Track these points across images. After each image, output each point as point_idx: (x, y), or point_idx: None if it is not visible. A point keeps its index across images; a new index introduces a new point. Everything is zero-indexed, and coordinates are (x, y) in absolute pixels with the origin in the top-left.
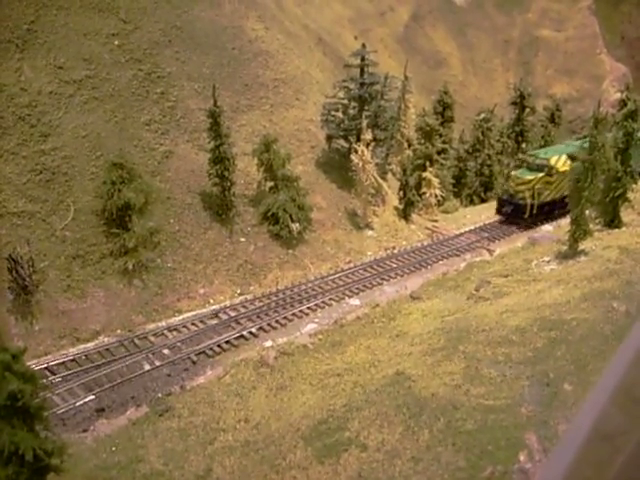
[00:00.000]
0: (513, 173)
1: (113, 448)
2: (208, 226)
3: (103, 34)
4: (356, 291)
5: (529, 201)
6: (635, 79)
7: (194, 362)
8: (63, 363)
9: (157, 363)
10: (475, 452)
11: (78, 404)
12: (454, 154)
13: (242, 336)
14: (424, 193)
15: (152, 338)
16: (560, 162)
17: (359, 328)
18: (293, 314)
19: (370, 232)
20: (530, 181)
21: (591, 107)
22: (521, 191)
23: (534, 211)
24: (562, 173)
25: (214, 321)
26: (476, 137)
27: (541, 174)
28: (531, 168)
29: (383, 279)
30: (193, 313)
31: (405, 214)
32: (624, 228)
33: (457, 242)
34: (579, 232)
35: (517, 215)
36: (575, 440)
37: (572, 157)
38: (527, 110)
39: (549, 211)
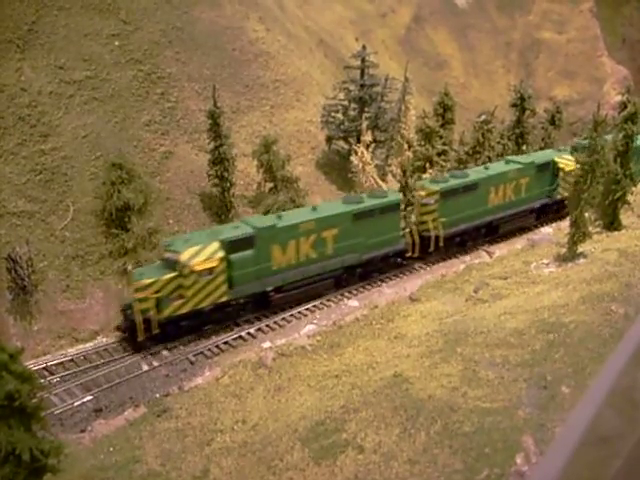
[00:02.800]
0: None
1: (110, 448)
2: (208, 227)
3: (104, 35)
4: (355, 292)
5: (141, 318)
6: (636, 82)
7: (192, 363)
8: (62, 363)
9: (155, 364)
10: (472, 454)
11: (76, 404)
12: (454, 156)
13: (240, 337)
14: None
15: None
16: (200, 256)
17: (357, 330)
18: (292, 315)
19: None
20: (149, 286)
21: (592, 110)
22: (141, 300)
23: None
24: (201, 272)
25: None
26: (476, 139)
27: (171, 274)
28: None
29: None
30: None
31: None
32: (623, 231)
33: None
34: (578, 234)
35: (133, 335)
36: (569, 442)
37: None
38: (527, 112)
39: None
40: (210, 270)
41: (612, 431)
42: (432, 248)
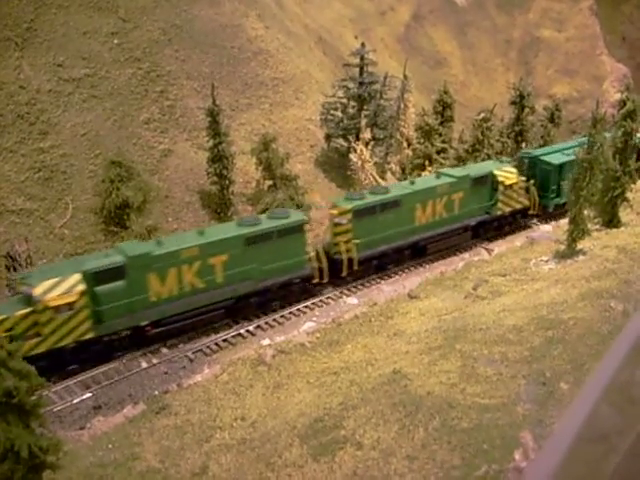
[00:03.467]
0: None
1: (109, 445)
2: (207, 225)
3: (103, 33)
4: (354, 290)
5: None
6: (635, 80)
7: (191, 360)
8: None
9: (154, 361)
10: (470, 451)
11: (75, 401)
12: (454, 154)
13: (240, 334)
14: None
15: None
16: (57, 289)
17: (357, 327)
18: (291, 312)
19: None
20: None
21: (591, 108)
22: None
23: None
24: (58, 308)
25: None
26: (476, 137)
27: (25, 310)
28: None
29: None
30: None
31: None
32: (623, 228)
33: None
34: (577, 232)
35: None
36: (566, 438)
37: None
38: (527, 110)
39: None
40: (69, 305)
41: (610, 427)
42: (345, 272)
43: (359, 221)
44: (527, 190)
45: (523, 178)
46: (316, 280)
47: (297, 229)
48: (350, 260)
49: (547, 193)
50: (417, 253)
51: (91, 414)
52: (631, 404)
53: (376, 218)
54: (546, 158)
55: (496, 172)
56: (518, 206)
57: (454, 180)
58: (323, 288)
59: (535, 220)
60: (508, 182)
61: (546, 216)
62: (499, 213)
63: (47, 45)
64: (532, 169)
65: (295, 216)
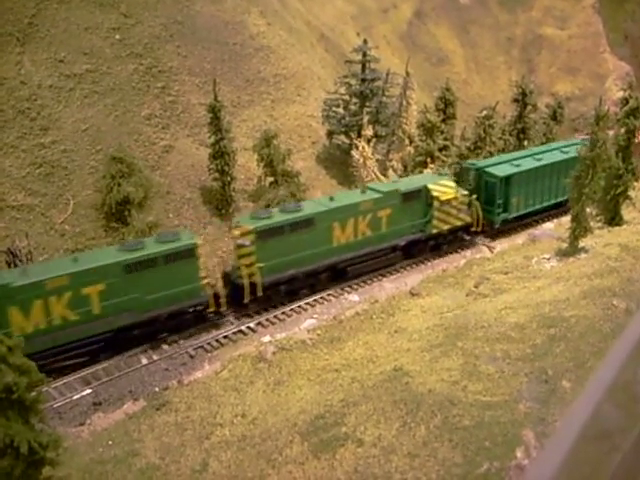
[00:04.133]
0: None
1: (109, 442)
2: (208, 221)
3: (104, 28)
4: (356, 287)
5: None
6: (638, 78)
7: (192, 356)
8: None
9: (155, 357)
10: (472, 448)
11: (75, 397)
12: (456, 151)
13: (240, 331)
14: None
15: None
16: None
17: (358, 324)
18: (292, 309)
19: None
20: None
21: (594, 106)
22: None
23: None
24: None
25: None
26: (478, 134)
27: None
28: None
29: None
30: None
31: None
32: (625, 226)
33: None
34: (579, 229)
35: None
36: (569, 436)
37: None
38: (529, 108)
39: None
40: None
41: (612, 425)
42: (247, 299)
43: (264, 243)
44: (470, 205)
45: (464, 192)
46: (212, 309)
47: (188, 253)
48: (253, 285)
49: (492, 208)
50: (337, 276)
51: (91, 410)
52: (634, 402)
53: (285, 239)
54: (491, 170)
55: (431, 186)
56: (458, 223)
57: (380, 196)
58: (223, 316)
59: (481, 237)
60: (445, 197)
61: (493, 233)
62: (434, 231)
63: (48, 40)
64: (477, 181)
65: (186, 239)
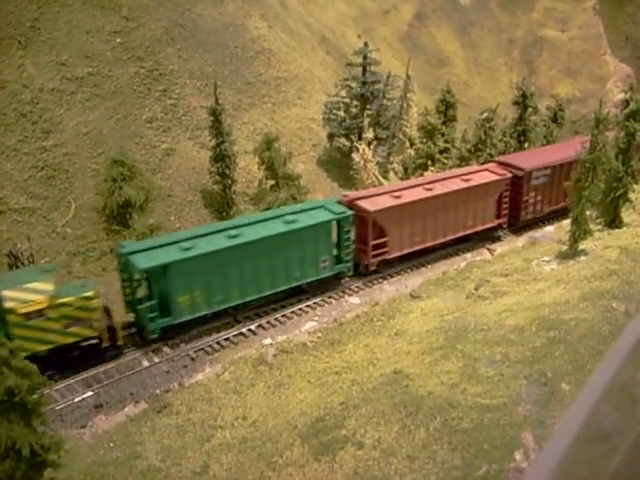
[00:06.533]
0: None
1: (111, 444)
2: (209, 224)
3: (105, 31)
4: (356, 290)
5: None
6: (639, 80)
7: (193, 359)
8: None
9: (156, 360)
10: (471, 451)
11: (77, 400)
12: (456, 153)
13: (241, 333)
14: None
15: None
16: None
17: (358, 326)
18: (292, 312)
19: None
20: None
21: (594, 108)
22: None
23: None
24: None
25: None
26: (478, 136)
27: None
28: None
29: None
30: None
31: None
32: (625, 228)
33: None
34: (579, 232)
35: None
36: (566, 438)
37: None
38: (530, 110)
39: None
40: None
41: (610, 427)
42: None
43: None
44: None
45: (88, 293)
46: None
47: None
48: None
49: (140, 307)
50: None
51: (92, 413)
52: (632, 404)
53: None
54: (135, 258)
55: (6, 293)
56: (67, 341)
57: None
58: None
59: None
60: (30, 308)
61: (149, 347)
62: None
63: (50, 44)
64: (127, 272)
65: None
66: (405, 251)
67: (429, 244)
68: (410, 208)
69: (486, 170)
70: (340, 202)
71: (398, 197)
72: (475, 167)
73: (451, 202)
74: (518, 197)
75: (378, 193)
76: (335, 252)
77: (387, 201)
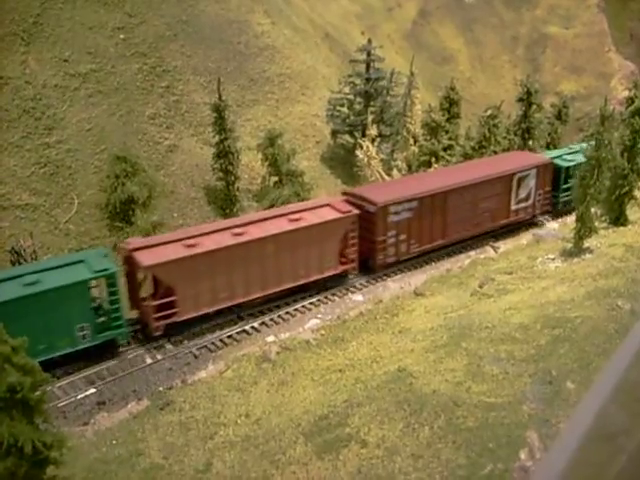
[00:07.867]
0: None
1: (113, 441)
2: (212, 221)
3: (109, 28)
4: (359, 287)
5: None
6: None
7: (196, 356)
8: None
9: (159, 357)
10: (475, 449)
11: (79, 397)
12: (460, 150)
13: (244, 331)
14: None
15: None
16: None
17: (362, 324)
18: (296, 309)
19: None
20: None
21: (599, 105)
22: None
23: None
24: None
25: None
26: (482, 134)
27: None
28: None
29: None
30: None
31: None
32: (630, 226)
33: None
34: (584, 230)
35: None
36: (574, 438)
37: None
38: (534, 107)
39: None
40: None
41: (617, 427)
42: None
43: None
44: None
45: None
46: None
47: None
48: None
49: None
50: None
51: (95, 410)
52: (639, 404)
53: None
54: None
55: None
56: None
57: None
58: None
59: None
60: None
61: None
62: None
63: (53, 40)
64: None
65: None
66: (205, 310)
67: (239, 300)
68: (207, 259)
69: (327, 206)
70: (106, 255)
71: (191, 246)
72: (316, 202)
73: (271, 248)
74: (372, 237)
75: (169, 240)
76: (98, 318)
77: (174, 252)
